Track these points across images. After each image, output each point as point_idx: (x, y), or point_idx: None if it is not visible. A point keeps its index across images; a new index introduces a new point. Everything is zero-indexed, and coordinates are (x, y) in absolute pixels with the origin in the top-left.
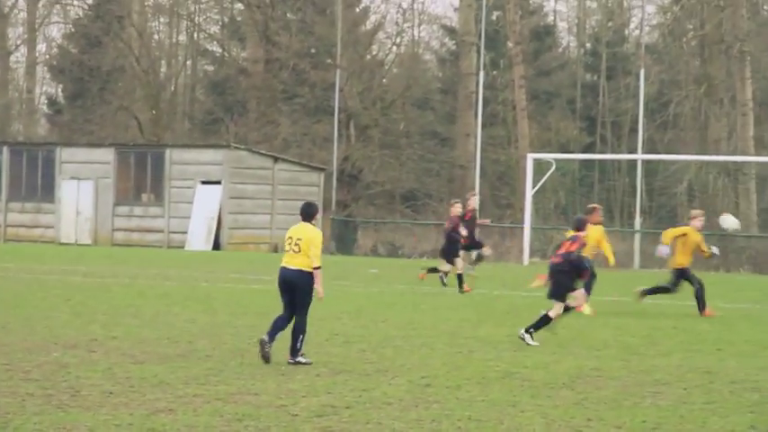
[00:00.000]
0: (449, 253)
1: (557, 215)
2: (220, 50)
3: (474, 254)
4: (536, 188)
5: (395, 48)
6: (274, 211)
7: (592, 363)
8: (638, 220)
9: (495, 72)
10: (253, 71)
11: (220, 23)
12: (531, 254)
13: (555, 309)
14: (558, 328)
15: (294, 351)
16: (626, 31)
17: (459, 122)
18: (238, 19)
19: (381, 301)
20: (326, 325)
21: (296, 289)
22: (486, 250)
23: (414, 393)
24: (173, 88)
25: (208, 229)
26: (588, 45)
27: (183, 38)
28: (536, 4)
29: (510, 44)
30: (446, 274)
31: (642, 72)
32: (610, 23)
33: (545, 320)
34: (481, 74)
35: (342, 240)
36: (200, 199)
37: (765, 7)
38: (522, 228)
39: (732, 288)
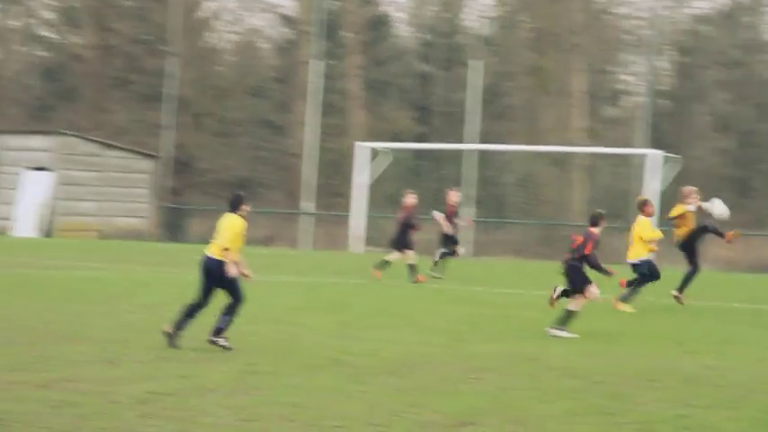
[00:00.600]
0: (400, 242)
1: (389, 204)
2: (55, 36)
3: (438, 253)
4: (374, 178)
5: (232, 36)
6: (105, 198)
7: (418, 349)
8: (472, 210)
9: (331, 61)
10: (86, 57)
11: (56, 10)
12: (365, 242)
13: (575, 302)
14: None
15: (218, 331)
16: (460, 22)
17: (293, 111)
18: (75, 6)
19: None
20: (156, 312)
21: (214, 276)
22: (460, 249)
23: (238, 380)
24: (4, 74)
25: (36, 216)
26: (423, 35)
27: (16, 23)
28: None
29: (346, 33)
30: (388, 263)
31: (476, 63)
32: (445, 14)
33: (569, 315)
34: (318, 62)
35: (172, 228)
36: (28, 185)
37: (597, 0)
38: (353, 216)
39: (558, 276)
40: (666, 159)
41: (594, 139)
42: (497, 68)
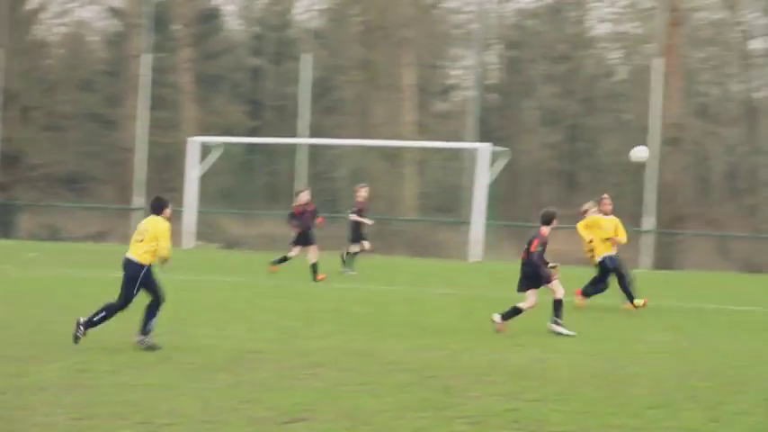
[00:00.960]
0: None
1: (221, 199)
2: None
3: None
4: (203, 172)
5: (60, 28)
6: None
7: (251, 345)
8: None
9: (161, 54)
10: None
11: None
12: (197, 237)
13: (527, 301)
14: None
15: (146, 331)
16: (291, 16)
17: (124, 105)
18: None
19: (40, 285)
20: None
21: (135, 277)
22: (366, 245)
23: (69, 378)
24: None
25: None
26: (254, 29)
27: None
28: None
29: (176, 26)
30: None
31: (306, 56)
32: (276, 8)
33: (515, 311)
34: (148, 56)
35: (0, 224)
36: None
37: None
38: (185, 211)
39: (390, 271)
40: (495, 153)
41: (425, 133)
42: (328, 62)
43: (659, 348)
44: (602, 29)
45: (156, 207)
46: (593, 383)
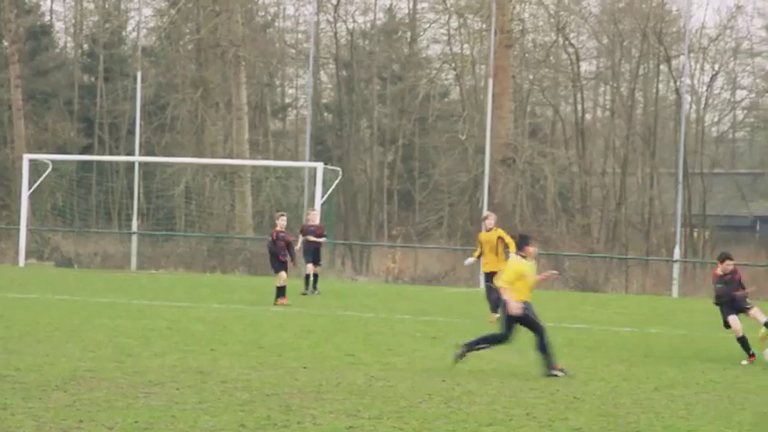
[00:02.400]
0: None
1: (53, 217)
2: None
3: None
4: (32, 189)
5: None
6: None
7: (86, 364)
8: (135, 223)
9: None
10: None
11: None
12: (27, 255)
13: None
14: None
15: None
16: (123, 33)
17: None
18: None
19: None
20: None
21: None
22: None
23: None
24: None
25: None
26: (85, 46)
27: None
28: (32, 2)
29: (5, 43)
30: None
31: (139, 74)
32: (107, 25)
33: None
34: None
35: None
36: None
37: (260, 14)
38: (19, 229)
39: (227, 289)
40: (327, 172)
41: (261, 151)
42: (162, 80)
43: (496, 366)
44: (435, 50)
45: None
46: (431, 401)
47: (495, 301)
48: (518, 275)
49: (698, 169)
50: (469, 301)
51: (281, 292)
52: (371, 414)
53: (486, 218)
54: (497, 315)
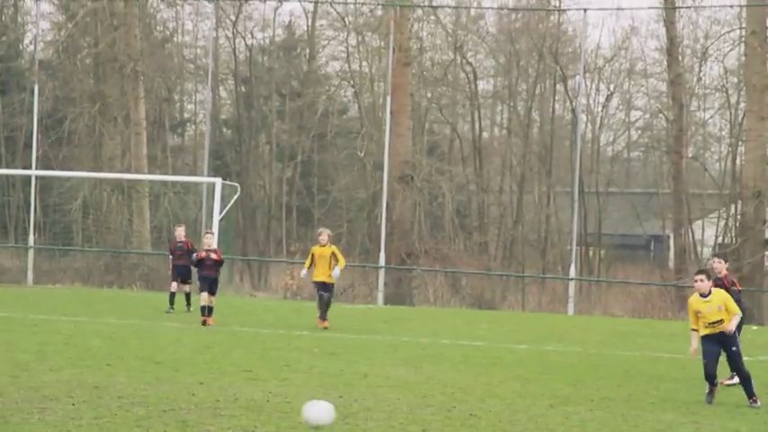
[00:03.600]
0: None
1: None
2: None
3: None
4: None
5: None
6: None
7: None
8: (31, 237)
9: None
10: None
11: None
12: None
13: None
14: None
15: None
16: (20, 46)
17: None
18: None
19: None
20: None
21: None
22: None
23: None
24: None
25: None
26: None
27: None
28: None
29: None
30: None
31: (36, 88)
32: (3, 38)
33: None
34: None
35: None
36: None
37: (158, 29)
38: None
39: (124, 304)
40: (226, 187)
41: (159, 166)
42: (59, 93)
43: (393, 382)
44: (334, 66)
45: None
46: None
47: (325, 307)
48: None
49: (593, 188)
50: (367, 318)
51: (209, 311)
52: (268, 430)
53: (320, 234)
54: (327, 323)
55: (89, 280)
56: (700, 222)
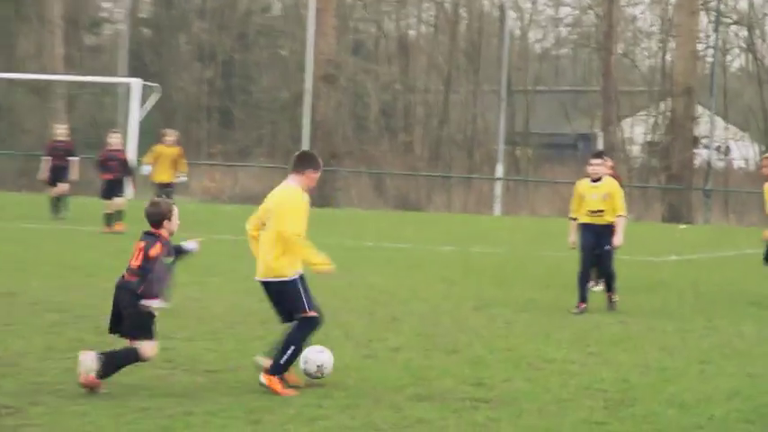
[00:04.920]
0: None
1: None
2: None
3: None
4: None
5: None
6: None
7: None
8: None
9: None
10: None
11: None
12: None
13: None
14: None
15: None
16: None
17: None
18: None
19: None
20: None
21: None
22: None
23: None
24: None
25: None
26: None
27: None
28: None
29: None
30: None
31: None
32: None
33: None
34: None
35: None
36: None
37: None
38: None
39: (38, 209)
40: (146, 88)
41: (75, 67)
42: None
43: (315, 286)
44: None
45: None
46: (247, 322)
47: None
48: None
49: (521, 86)
50: None
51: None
52: (185, 335)
53: (165, 134)
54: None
55: (2, 184)
56: (629, 120)
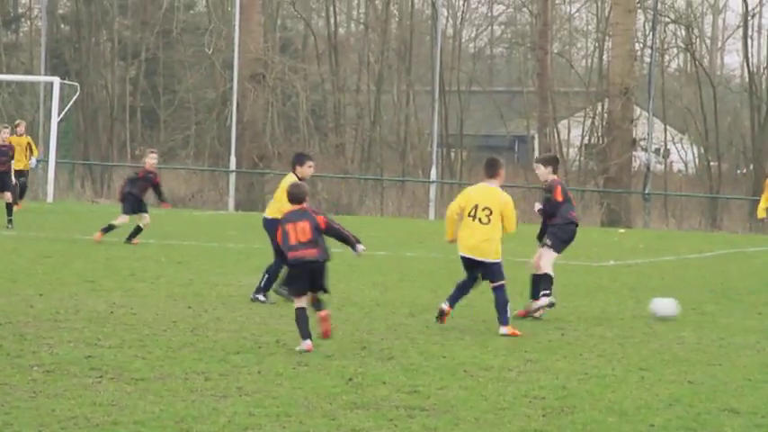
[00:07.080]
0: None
1: None
2: None
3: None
4: None
5: None
6: None
7: None
8: None
9: None
10: None
11: None
12: None
13: None
14: None
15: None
16: None
17: None
18: None
19: None
20: None
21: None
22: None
23: None
24: None
25: None
26: None
27: None
28: None
29: None
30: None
31: None
32: None
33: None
34: None
35: None
36: None
37: None
38: None
39: None
40: (64, 87)
41: None
42: None
43: (245, 292)
44: None
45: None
46: (175, 329)
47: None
48: None
49: (455, 87)
50: (217, 225)
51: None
52: (112, 343)
53: (18, 125)
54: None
55: None
56: (565, 121)
